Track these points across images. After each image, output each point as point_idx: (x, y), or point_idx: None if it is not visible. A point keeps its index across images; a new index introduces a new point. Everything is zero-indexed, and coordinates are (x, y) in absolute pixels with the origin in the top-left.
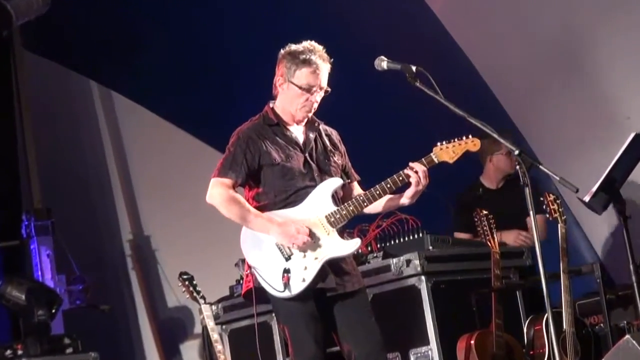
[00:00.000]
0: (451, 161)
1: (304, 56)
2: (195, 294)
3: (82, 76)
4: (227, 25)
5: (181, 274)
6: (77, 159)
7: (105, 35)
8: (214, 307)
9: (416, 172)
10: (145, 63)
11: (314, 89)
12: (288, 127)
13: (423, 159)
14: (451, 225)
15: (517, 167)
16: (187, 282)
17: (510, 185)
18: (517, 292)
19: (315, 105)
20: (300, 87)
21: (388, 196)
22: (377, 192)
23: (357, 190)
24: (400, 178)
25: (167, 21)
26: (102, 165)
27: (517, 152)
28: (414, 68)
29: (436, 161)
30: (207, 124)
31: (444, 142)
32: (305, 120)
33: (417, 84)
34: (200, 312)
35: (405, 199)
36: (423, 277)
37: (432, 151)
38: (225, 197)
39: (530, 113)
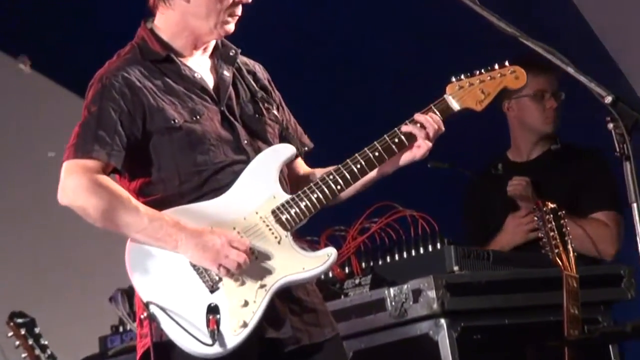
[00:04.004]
0: (480, 108)
1: None
2: (37, 350)
3: None
4: None
5: (13, 315)
6: None
7: None
8: None
9: (423, 127)
10: None
11: None
12: (185, 61)
13: (433, 106)
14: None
15: (611, 125)
16: (23, 330)
17: (552, 157)
18: (610, 346)
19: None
20: None
21: None
22: (359, 166)
23: (303, 165)
24: (397, 140)
25: None
26: None
27: (610, 98)
28: None
29: (455, 108)
30: (57, 56)
31: (462, 77)
32: (214, 45)
33: None
34: None
35: (390, 167)
36: (443, 321)
37: (444, 92)
38: (88, 189)
39: None
